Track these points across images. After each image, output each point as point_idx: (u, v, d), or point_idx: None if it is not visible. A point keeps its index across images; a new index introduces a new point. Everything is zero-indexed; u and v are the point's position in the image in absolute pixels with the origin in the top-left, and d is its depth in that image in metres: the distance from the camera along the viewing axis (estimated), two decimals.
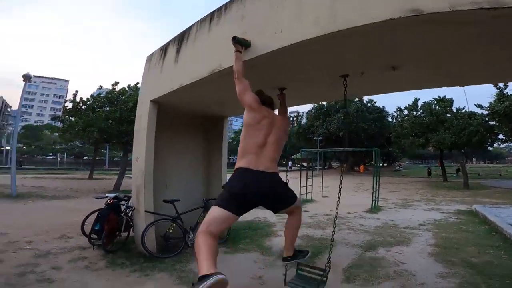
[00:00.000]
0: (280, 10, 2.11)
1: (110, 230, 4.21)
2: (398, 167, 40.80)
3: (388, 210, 8.84)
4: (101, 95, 13.05)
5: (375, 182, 9.62)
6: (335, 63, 2.46)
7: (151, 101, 4.38)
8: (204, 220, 1.94)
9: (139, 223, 4.33)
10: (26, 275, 3.20)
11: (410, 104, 18.98)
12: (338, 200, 2.85)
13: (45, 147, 46.19)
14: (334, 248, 4.48)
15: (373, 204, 9.15)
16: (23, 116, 68.27)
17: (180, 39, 3.64)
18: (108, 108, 12.42)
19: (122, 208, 4.59)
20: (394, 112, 21.33)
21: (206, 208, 4.88)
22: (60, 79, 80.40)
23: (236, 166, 2.14)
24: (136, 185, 4.56)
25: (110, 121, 11.94)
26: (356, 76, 2.64)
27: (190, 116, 5.34)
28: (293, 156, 35.80)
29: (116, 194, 4.89)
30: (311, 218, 7.35)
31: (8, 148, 45.39)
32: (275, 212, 2.44)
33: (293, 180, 10.12)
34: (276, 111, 2.71)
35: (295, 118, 39.99)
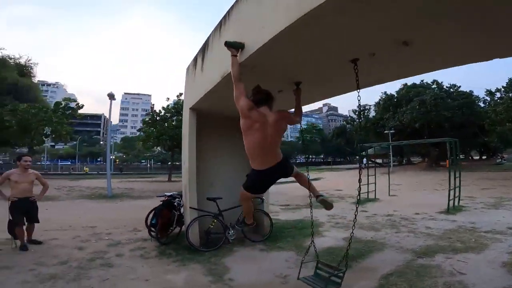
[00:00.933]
0: (262, 5, 2.11)
1: (163, 224, 4.80)
2: (500, 160, 33.33)
3: (472, 211, 7.39)
4: (169, 106, 14.82)
5: (453, 178, 8.16)
6: (339, 47, 2.26)
7: (190, 108, 4.83)
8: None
9: (187, 218, 4.81)
10: (95, 260, 3.94)
11: (505, 85, 15.34)
12: (359, 195, 2.62)
13: (138, 155, 54.81)
14: (381, 252, 4.10)
15: (450, 204, 7.78)
16: (119, 130, 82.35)
17: (204, 47, 3.93)
18: (175, 117, 14.02)
19: (175, 205, 5.16)
20: (485, 95, 17.58)
21: None
22: (144, 94, 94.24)
23: (251, 166, 2.53)
24: (184, 184, 5.08)
25: (178, 129, 13.51)
26: (366, 59, 2.39)
27: (229, 119, 5.63)
28: (364, 153, 33.22)
29: (172, 193, 5.51)
30: (367, 218, 6.77)
31: (112, 157, 56.19)
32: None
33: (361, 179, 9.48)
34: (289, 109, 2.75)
35: (361, 113, 37.11)
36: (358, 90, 2.51)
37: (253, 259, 4.10)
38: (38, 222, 4.84)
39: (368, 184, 10.15)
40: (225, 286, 3.14)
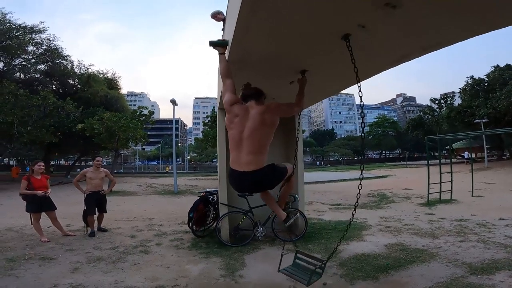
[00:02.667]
0: None
1: (198, 218, 5.12)
2: None
3: None
4: None
5: None
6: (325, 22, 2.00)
7: (219, 109, 5.02)
8: None
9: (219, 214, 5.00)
10: (137, 247, 4.48)
11: None
12: (361, 173, 2.25)
13: (209, 154, 59.59)
14: (425, 264, 3.48)
15: None
16: (191, 132, 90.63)
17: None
18: None
19: (210, 200, 5.42)
20: None
21: None
22: (212, 98, 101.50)
23: None
24: (218, 180, 5.30)
25: None
26: (359, 35, 2.05)
27: None
28: (453, 146, 28.32)
29: (210, 189, 5.82)
30: (429, 223, 5.76)
31: (188, 157, 62.76)
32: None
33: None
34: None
35: (442, 101, 31.77)
36: (356, 69, 2.15)
37: (273, 258, 3.95)
38: (106, 212, 5.76)
39: (440, 182, 8.64)
40: (232, 281, 3.15)
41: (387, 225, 5.72)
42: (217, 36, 3.10)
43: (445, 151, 17.76)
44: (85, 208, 5.37)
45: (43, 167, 5.33)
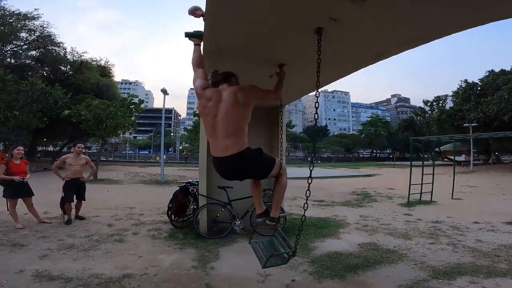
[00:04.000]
0: None
1: (176, 208, 5.11)
2: None
3: None
4: None
5: None
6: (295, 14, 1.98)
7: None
8: None
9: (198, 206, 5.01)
10: (112, 236, 4.48)
11: None
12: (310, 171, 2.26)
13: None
14: (393, 265, 3.58)
15: None
16: (185, 122, 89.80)
17: None
18: None
19: (190, 191, 5.40)
20: None
21: None
22: None
23: None
24: (199, 171, 5.27)
25: None
26: (332, 29, 2.03)
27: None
28: (440, 148, 28.86)
29: (191, 180, 5.80)
30: (406, 224, 5.90)
31: (180, 147, 62.31)
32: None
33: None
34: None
35: (434, 104, 32.22)
36: (319, 60, 2.14)
37: (249, 252, 4.00)
38: (84, 199, 5.69)
39: (422, 184, 8.83)
40: (203, 273, 3.19)
41: (365, 223, 5.84)
42: None
43: (433, 153, 18.07)
44: (63, 195, 5.30)
45: (22, 152, 5.21)
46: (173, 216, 5.08)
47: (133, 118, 15.37)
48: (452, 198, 9.38)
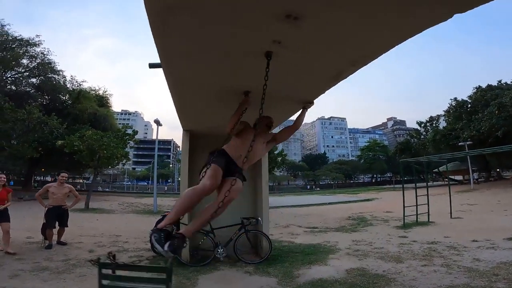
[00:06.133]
0: None
1: None
2: None
3: None
4: None
5: None
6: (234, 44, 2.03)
7: (184, 130, 5.05)
8: None
9: None
10: (88, 263, 4.25)
11: None
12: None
13: None
14: None
15: None
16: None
17: None
18: None
19: None
20: None
21: (243, 226, 4.84)
22: None
23: None
24: None
25: None
26: (281, 52, 2.05)
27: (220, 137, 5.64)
28: (439, 169, 28.62)
29: None
30: (399, 246, 5.65)
31: (179, 178, 61.68)
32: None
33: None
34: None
35: (428, 124, 32.59)
36: (265, 86, 2.18)
37: (228, 280, 3.80)
38: (67, 226, 5.67)
39: (416, 205, 8.61)
40: None
41: (356, 248, 5.58)
42: None
43: (427, 174, 17.93)
44: (45, 222, 5.34)
45: (4, 180, 5.21)
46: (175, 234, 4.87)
47: (126, 149, 15.34)
48: (451, 217, 9.13)
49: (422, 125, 34.62)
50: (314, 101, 3.22)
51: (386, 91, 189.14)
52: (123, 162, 15.94)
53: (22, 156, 15.82)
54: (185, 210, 2.11)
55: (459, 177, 28.89)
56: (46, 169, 30.87)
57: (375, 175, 67.72)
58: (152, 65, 2.54)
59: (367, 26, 1.76)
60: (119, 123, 25.22)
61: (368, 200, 18.76)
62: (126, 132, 14.95)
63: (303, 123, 3.40)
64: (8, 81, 18.91)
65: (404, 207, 8.32)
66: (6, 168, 24.24)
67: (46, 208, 5.38)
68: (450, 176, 28.27)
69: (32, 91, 19.98)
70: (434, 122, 32.87)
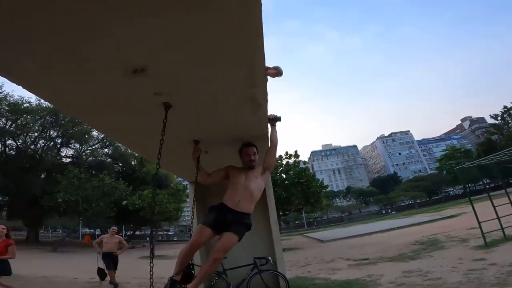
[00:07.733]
0: None
1: (182, 277, 4.89)
2: None
3: None
4: None
5: None
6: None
7: (189, 182, 5.27)
8: None
9: None
10: None
11: None
12: None
13: None
14: None
15: None
16: None
17: None
18: None
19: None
20: None
21: (255, 266, 4.53)
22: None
23: None
24: None
25: None
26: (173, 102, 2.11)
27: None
28: None
29: None
30: (466, 274, 4.38)
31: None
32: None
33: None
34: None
35: (505, 115, 26.65)
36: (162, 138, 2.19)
37: None
38: (116, 269, 6.53)
39: (498, 218, 6.82)
40: None
41: (401, 282, 4.53)
42: None
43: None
44: (101, 266, 6.40)
45: (5, 230, 5.31)
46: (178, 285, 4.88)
47: (180, 204, 16.54)
48: None
49: (499, 117, 28.58)
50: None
51: (442, 91, 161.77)
52: (177, 216, 17.06)
53: (103, 215, 18.51)
54: (185, 262, 2.35)
55: None
56: (125, 224, 35.04)
57: (468, 185, 56.71)
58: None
59: None
60: (179, 180, 27.52)
61: (451, 217, 15.58)
62: (178, 189, 16.23)
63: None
64: (88, 154, 22.96)
65: (478, 222, 6.65)
66: (92, 225, 28.11)
67: (101, 254, 6.41)
68: None
69: (108, 160, 23.80)
70: None
